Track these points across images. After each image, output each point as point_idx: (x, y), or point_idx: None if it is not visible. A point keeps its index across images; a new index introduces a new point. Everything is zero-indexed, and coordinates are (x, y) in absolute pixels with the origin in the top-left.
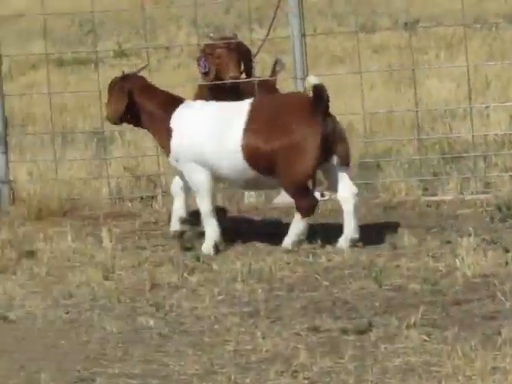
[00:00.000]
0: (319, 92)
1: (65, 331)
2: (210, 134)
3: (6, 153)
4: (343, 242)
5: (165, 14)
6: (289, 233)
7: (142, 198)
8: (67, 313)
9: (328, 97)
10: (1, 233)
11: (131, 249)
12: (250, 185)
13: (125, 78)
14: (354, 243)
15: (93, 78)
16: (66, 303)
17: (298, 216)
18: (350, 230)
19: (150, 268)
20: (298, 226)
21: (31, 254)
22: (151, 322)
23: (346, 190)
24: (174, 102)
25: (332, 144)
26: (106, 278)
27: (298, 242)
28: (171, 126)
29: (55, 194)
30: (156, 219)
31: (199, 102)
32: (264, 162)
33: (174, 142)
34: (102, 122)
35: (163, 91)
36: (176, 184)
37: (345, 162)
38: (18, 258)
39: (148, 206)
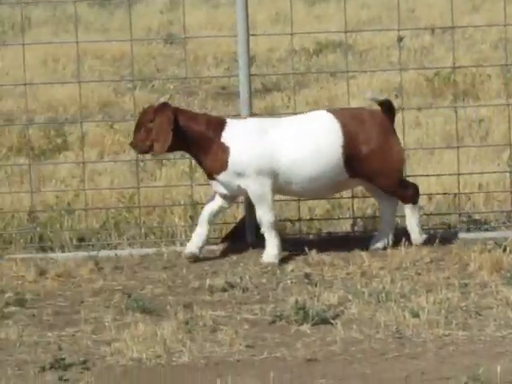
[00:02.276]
0: (389, 106)
1: None
2: (290, 146)
3: None
4: None
5: None
6: (411, 228)
7: None
8: None
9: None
10: None
11: None
12: (326, 191)
13: (165, 106)
14: None
15: None
16: None
17: (409, 207)
18: None
19: None
20: (415, 215)
21: None
22: None
23: None
24: (218, 121)
25: None
26: None
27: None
28: (225, 143)
29: None
30: None
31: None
32: (362, 166)
33: (233, 158)
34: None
35: (202, 113)
36: (206, 212)
37: None
38: None
39: None
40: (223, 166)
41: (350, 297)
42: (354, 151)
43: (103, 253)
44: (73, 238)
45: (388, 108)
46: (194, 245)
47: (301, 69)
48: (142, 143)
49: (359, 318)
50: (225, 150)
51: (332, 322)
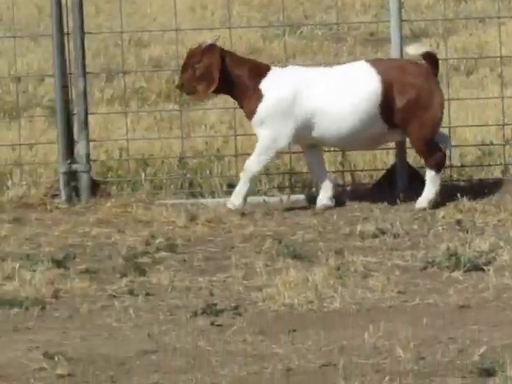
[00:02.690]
0: (433, 58)
1: None
2: (326, 95)
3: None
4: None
5: None
6: (425, 191)
7: None
8: None
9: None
10: None
11: None
12: (365, 142)
13: (213, 47)
14: None
15: None
16: None
17: (431, 172)
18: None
19: None
20: (433, 182)
21: None
22: None
23: None
24: (261, 68)
25: None
26: None
27: (435, 200)
28: (261, 90)
29: None
30: None
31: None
32: (399, 118)
33: (264, 105)
34: None
35: (248, 58)
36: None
37: None
38: None
39: None
40: (254, 112)
41: (501, 243)
42: (391, 102)
43: (252, 199)
44: (223, 183)
45: (431, 60)
46: (324, 197)
47: (449, 15)
48: (189, 84)
49: (511, 265)
50: (259, 96)
51: (484, 268)
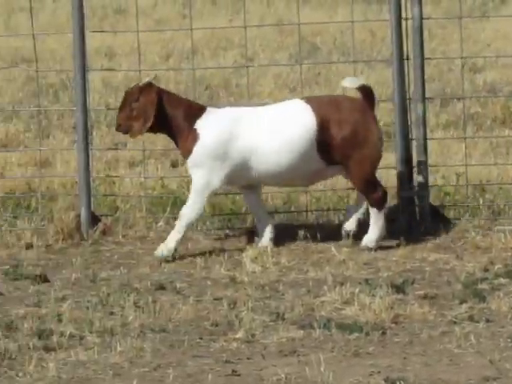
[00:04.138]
0: (369, 92)
1: None
2: (262, 136)
3: None
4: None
5: None
6: (369, 230)
7: None
8: None
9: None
10: None
11: None
12: (302, 180)
13: (150, 86)
14: None
15: None
16: None
17: (373, 210)
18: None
19: None
20: (377, 220)
21: None
22: None
23: None
24: (197, 108)
25: None
26: None
27: (381, 238)
28: (197, 131)
29: None
30: None
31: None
32: (336, 155)
33: (200, 146)
34: None
35: (185, 99)
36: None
37: None
38: None
39: None
40: (190, 153)
41: None
42: (327, 138)
43: None
44: None
45: (367, 94)
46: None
47: None
48: (125, 123)
49: None
50: (195, 137)
51: None
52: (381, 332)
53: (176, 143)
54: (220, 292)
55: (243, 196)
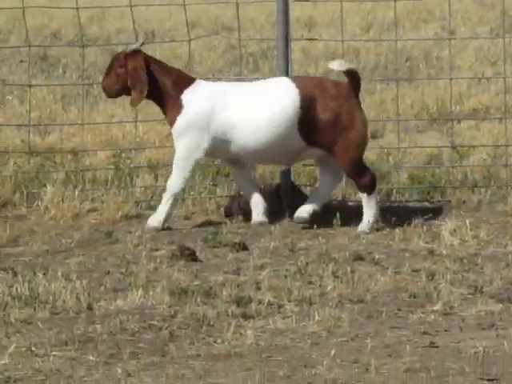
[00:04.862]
0: (356, 77)
1: None
2: (243, 111)
3: None
4: None
5: None
6: (364, 215)
7: None
8: None
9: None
10: None
11: None
12: (281, 157)
13: (137, 53)
14: None
15: None
16: None
17: (364, 195)
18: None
19: None
20: (369, 205)
21: None
22: None
23: None
24: (186, 79)
25: None
26: None
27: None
28: (182, 101)
29: None
30: None
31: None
32: (319, 138)
33: (182, 117)
34: None
35: (174, 68)
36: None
37: None
38: None
39: None
40: (174, 122)
41: None
42: (310, 118)
43: None
44: None
45: (353, 78)
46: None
47: None
48: (110, 88)
49: None
50: (180, 107)
51: None
52: None
53: (163, 112)
54: (418, 264)
55: (230, 171)
